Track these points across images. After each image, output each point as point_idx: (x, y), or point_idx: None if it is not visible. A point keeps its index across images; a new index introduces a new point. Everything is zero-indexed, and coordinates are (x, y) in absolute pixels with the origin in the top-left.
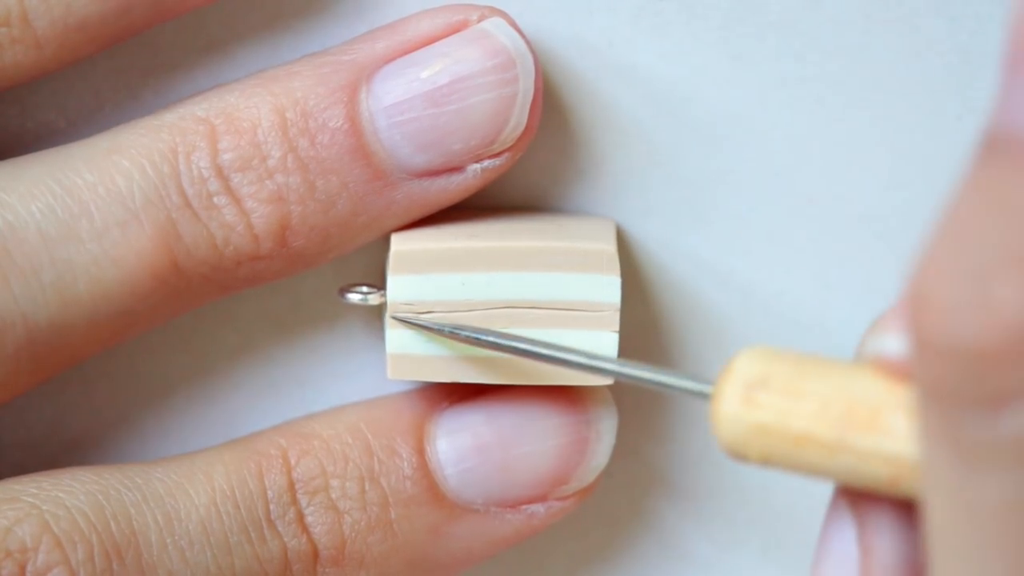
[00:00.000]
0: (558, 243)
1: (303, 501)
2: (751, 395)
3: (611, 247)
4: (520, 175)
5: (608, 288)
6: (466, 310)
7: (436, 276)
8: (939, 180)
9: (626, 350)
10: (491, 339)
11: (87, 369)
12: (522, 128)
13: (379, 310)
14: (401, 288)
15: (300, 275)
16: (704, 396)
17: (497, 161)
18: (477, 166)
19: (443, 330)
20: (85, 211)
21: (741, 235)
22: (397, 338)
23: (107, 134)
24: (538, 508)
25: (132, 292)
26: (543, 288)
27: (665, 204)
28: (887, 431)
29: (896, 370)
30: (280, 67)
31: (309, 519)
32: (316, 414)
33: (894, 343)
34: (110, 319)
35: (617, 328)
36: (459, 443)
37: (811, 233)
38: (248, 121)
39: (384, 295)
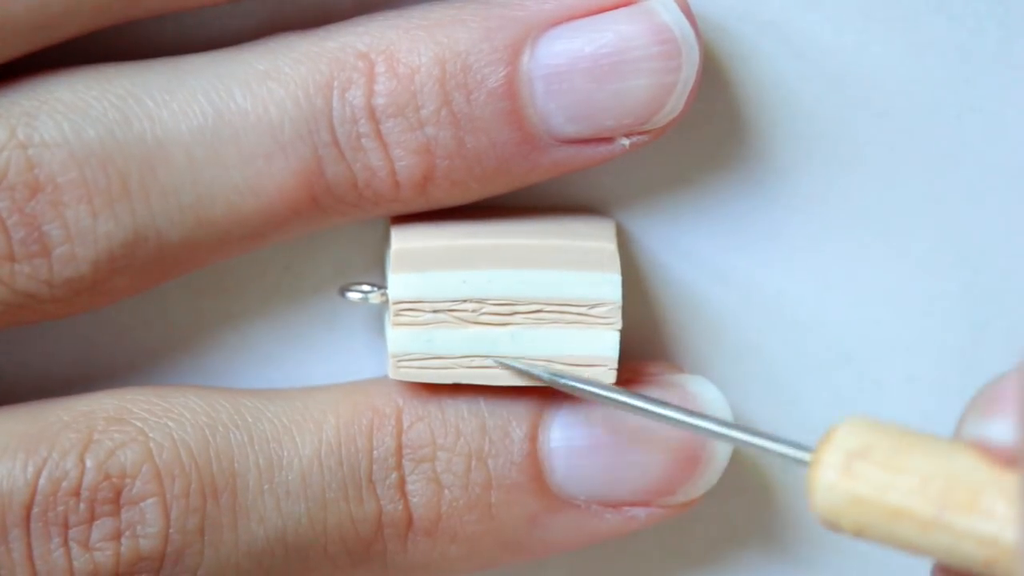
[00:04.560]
0: (559, 241)
1: (408, 467)
2: (851, 465)
3: (611, 245)
4: None
5: (609, 286)
6: (467, 309)
7: (437, 274)
8: (939, 179)
9: (626, 348)
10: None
11: (88, 369)
12: (676, 113)
13: (380, 310)
14: (402, 286)
15: (299, 274)
16: (802, 463)
17: (646, 137)
18: (626, 140)
19: (598, 393)
20: (234, 137)
21: (741, 234)
22: (399, 338)
23: (265, 53)
24: (639, 512)
25: (267, 221)
26: (544, 286)
27: (665, 204)
28: (986, 513)
29: (999, 455)
30: (447, 10)
31: (410, 487)
32: None
33: (1000, 431)
34: (240, 240)
35: (619, 326)
36: (573, 437)
37: (811, 233)
38: (408, 66)
39: (385, 294)
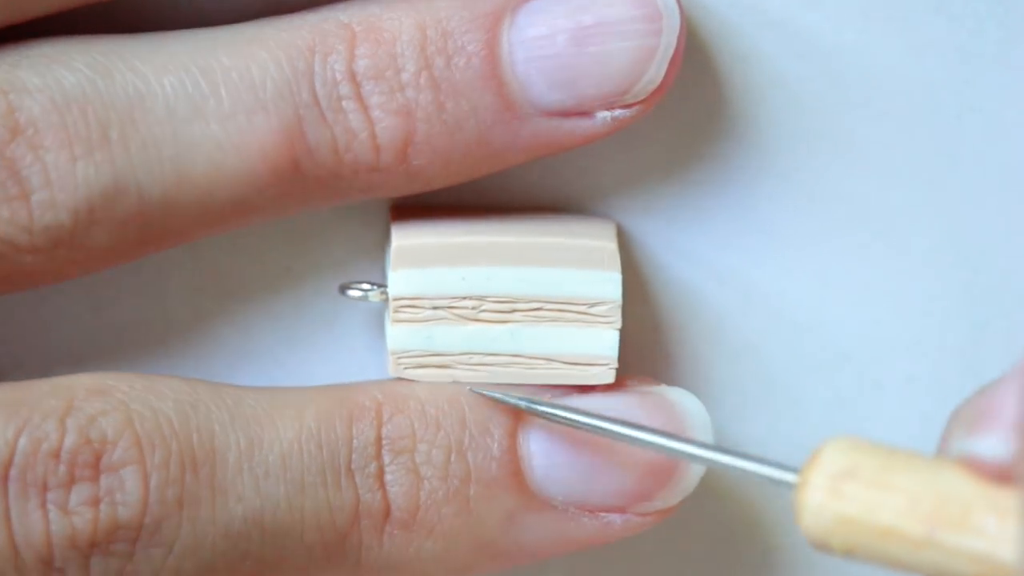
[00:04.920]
0: (559, 239)
1: (387, 458)
2: (838, 486)
3: (612, 244)
4: (520, 175)
5: (609, 284)
6: (467, 306)
7: (437, 271)
8: (939, 178)
9: (626, 348)
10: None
11: (87, 368)
12: (657, 83)
13: (381, 311)
14: (402, 282)
15: (300, 275)
16: (788, 485)
17: (628, 112)
18: (607, 114)
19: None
20: (215, 92)
21: (741, 234)
22: (398, 335)
23: (252, 24)
24: (615, 519)
25: (249, 182)
26: (544, 284)
27: (664, 203)
28: (978, 530)
29: (988, 471)
30: None
31: (388, 477)
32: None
33: (990, 446)
34: (222, 205)
35: (619, 325)
36: (553, 436)
37: (810, 233)
38: (389, 32)
39: (385, 291)
